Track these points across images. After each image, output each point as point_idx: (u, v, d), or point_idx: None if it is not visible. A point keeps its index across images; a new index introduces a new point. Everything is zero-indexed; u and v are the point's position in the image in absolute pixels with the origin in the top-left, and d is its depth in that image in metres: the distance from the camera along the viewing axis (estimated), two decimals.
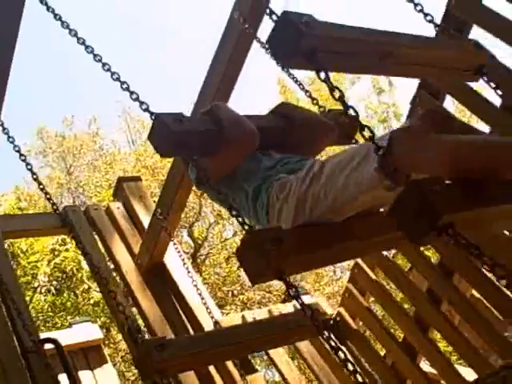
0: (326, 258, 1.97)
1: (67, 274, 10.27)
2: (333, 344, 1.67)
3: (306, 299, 4.32)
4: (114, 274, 4.54)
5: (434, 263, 3.87)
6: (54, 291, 10.14)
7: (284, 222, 1.99)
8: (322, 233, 1.89)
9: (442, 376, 3.73)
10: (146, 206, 4.69)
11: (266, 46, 1.72)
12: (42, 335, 3.73)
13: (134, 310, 4.48)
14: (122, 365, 10.70)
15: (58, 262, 9.96)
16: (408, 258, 3.98)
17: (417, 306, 3.86)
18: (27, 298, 8.92)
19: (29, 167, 3.02)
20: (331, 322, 4.16)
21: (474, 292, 3.78)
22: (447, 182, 1.58)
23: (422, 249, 3.98)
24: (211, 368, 3.89)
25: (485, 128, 3.49)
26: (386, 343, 4.03)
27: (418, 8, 2.25)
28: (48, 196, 3.02)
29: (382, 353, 4.16)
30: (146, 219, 4.50)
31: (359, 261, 4.12)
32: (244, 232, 1.74)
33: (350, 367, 1.60)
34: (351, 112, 1.62)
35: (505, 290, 3.55)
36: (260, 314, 4.27)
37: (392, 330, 4.56)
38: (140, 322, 4.51)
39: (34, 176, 3.04)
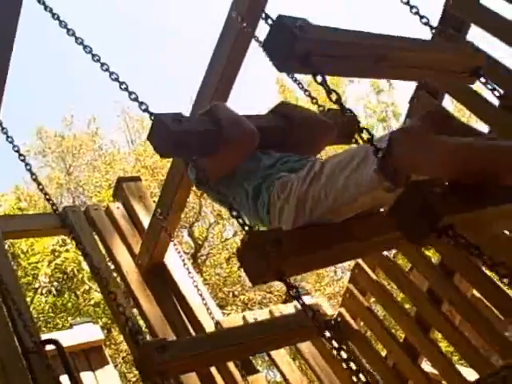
0: (326, 259, 1.96)
1: (68, 274, 10.27)
2: (335, 344, 1.66)
3: (307, 300, 4.32)
4: (115, 275, 4.54)
5: (435, 263, 3.86)
6: (54, 292, 10.14)
7: (285, 222, 1.99)
8: (322, 234, 1.89)
9: (444, 376, 3.72)
10: (145, 206, 4.68)
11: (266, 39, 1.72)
12: (43, 336, 3.73)
13: (135, 310, 4.48)
14: (124, 366, 10.70)
15: (58, 262, 9.96)
16: (408, 258, 3.97)
17: (418, 306, 3.85)
18: (28, 299, 8.92)
19: (28, 167, 3.01)
20: (332, 322, 4.16)
21: (475, 292, 3.78)
22: (447, 183, 1.57)
23: (422, 249, 3.98)
24: (212, 369, 3.89)
25: (484, 128, 3.49)
26: (387, 344, 4.02)
27: (414, 10, 2.25)
28: (47, 196, 3.01)
29: (383, 353, 4.15)
30: (145, 219, 4.49)
31: (360, 261, 4.11)
32: (244, 233, 1.73)
33: (353, 367, 1.60)
34: (349, 114, 1.62)
35: (505, 289, 3.55)
36: (261, 314, 4.26)
37: (393, 331, 4.55)
38: (141, 322, 4.52)
39: (34, 176, 3.03)
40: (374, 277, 4.10)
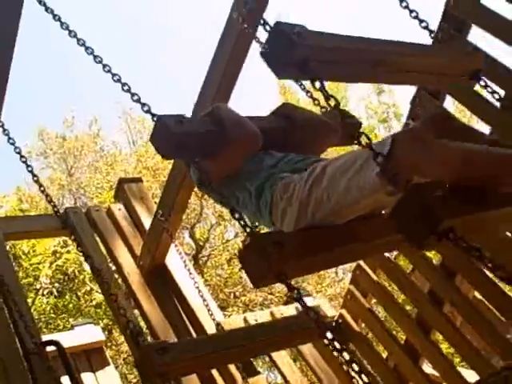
0: (327, 261, 1.96)
1: (69, 275, 10.28)
2: (337, 346, 1.66)
3: (308, 301, 4.31)
4: (116, 276, 4.54)
5: (436, 264, 3.86)
6: (55, 293, 10.14)
7: (287, 224, 1.99)
8: (324, 236, 1.88)
9: (444, 378, 3.72)
10: (147, 207, 4.69)
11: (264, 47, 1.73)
12: (44, 337, 3.74)
13: (136, 311, 4.48)
14: (124, 367, 10.70)
15: (59, 263, 9.97)
16: (410, 259, 3.97)
17: (419, 308, 3.85)
18: (29, 300, 8.92)
19: (29, 169, 3.01)
20: (333, 324, 4.15)
21: (476, 293, 3.77)
22: (448, 186, 1.57)
23: (423, 250, 3.97)
24: (213, 371, 3.88)
25: (485, 128, 3.49)
26: (388, 345, 4.02)
27: (413, 15, 2.25)
28: (49, 198, 3.02)
29: (384, 355, 4.15)
30: (147, 221, 4.50)
31: (361, 262, 4.11)
32: (246, 234, 1.73)
33: (356, 368, 1.60)
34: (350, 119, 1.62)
35: (507, 291, 3.55)
36: (262, 315, 4.26)
37: (394, 332, 4.55)
38: (142, 323, 4.52)
39: (35, 178, 3.03)
40: (375, 278, 4.10)
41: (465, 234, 1.43)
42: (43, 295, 10.05)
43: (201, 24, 20.28)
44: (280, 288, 11.17)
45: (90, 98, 19.04)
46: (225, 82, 3.54)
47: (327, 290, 11.58)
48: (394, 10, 2.35)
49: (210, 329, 4.07)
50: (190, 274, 4.24)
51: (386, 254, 3.98)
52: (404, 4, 2.25)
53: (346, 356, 1.66)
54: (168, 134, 1.97)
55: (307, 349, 4.12)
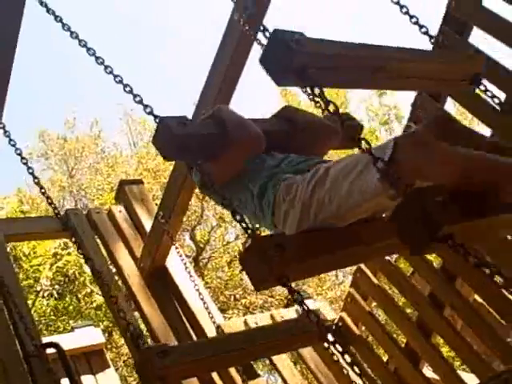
0: (329, 264, 1.96)
1: (69, 277, 10.27)
2: (338, 349, 1.66)
3: (309, 304, 4.29)
4: (116, 278, 4.54)
5: (437, 267, 3.86)
6: (56, 295, 10.14)
7: (289, 226, 1.99)
8: (326, 238, 1.88)
9: (445, 382, 3.71)
10: (147, 209, 4.69)
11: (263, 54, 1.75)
12: (44, 339, 3.74)
13: (136, 314, 4.48)
14: (125, 369, 10.68)
15: (60, 265, 9.97)
16: (410, 262, 3.96)
17: (419, 311, 3.84)
18: (29, 302, 8.92)
19: (30, 171, 3.01)
20: (333, 327, 4.15)
21: (477, 297, 3.77)
22: (448, 191, 1.57)
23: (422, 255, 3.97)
24: (214, 374, 3.88)
25: (486, 131, 3.49)
26: (389, 348, 4.01)
27: (414, 20, 2.25)
28: (49, 200, 3.02)
29: (385, 358, 4.14)
30: (148, 222, 4.50)
31: (361, 265, 4.10)
32: (247, 237, 1.73)
33: (356, 371, 1.60)
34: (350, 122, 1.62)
35: (507, 294, 3.54)
36: (262, 318, 4.26)
37: (394, 335, 4.54)
38: (142, 326, 4.51)
39: (36, 180, 3.03)
40: (375, 281, 4.09)
41: (465, 239, 1.43)
42: (43, 297, 10.05)
43: (201, 24, 20.32)
44: (280, 291, 11.16)
45: (92, 99, 19.08)
46: (225, 84, 3.54)
47: (327, 293, 11.57)
48: (395, 10, 2.35)
49: (210, 331, 4.06)
50: (191, 276, 4.24)
51: (387, 257, 3.97)
52: (404, 10, 2.25)
53: (347, 359, 1.66)
54: (170, 136, 1.97)
55: (307, 352, 4.12)
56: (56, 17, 2.52)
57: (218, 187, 2.10)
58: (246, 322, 4.14)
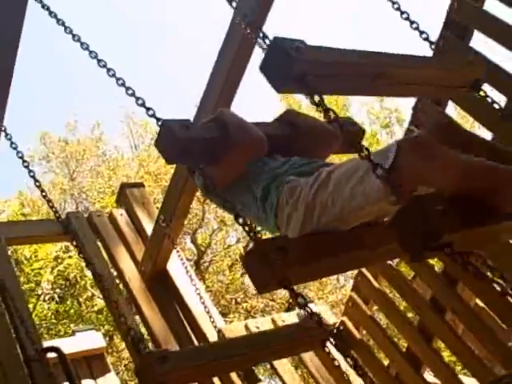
0: (331, 268, 1.96)
1: (70, 281, 10.27)
2: (339, 353, 1.66)
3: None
4: (117, 282, 4.53)
5: (438, 272, 3.85)
6: (57, 299, 10.14)
7: (292, 229, 1.98)
8: (328, 242, 1.88)
9: None
10: (149, 212, 4.68)
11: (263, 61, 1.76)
12: (45, 343, 3.73)
13: (137, 317, 4.47)
14: (125, 373, 10.68)
15: (61, 269, 9.97)
16: (411, 266, 3.96)
17: (421, 315, 3.84)
18: (30, 306, 8.92)
19: (31, 174, 3.02)
20: (335, 331, 4.14)
21: (478, 301, 3.76)
22: (448, 199, 1.57)
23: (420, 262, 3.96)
24: (215, 379, 3.87)
25: (487, 134, 3.49)
26: (390, 353, 4.01)
27: (414, 26, 2.25)
28: (51, 204, 3.02)
29: (386, 363, 4.13)
30: (149, 226, 4.49)
31: (363, 269, 4.10)
32: (249, 240, 1.73)
33: (357, 376, 1.60)
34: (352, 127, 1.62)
35: (509, 298, 3.53)
36: (263, 322, 4.24)
37: (396, 340, 4.54)
38: (143, 329, 4.51)
39: (37, 183, 3.03)
40: (376, 285, 4.09)
41: (465, 245, 1.43)
42: (44, 301, 10.05)
43: (200, 22, 20.32)
44: (282, 294, 11.15)
45: (93, 101, 19.10)
46: (227, 87, 3.54)
47: (329, 297, 11.56)
48: (394, 10, 2.34)
49: (211, 335, 4.06)
50: (192, 280, 4.24)
51: (388, 261, 3.97)
52: (405, 16, 2.25)
53: (349, 361, 1.66)
54: (173, 139, 1.97)
55: (309, 357, 4.11)
56: (58, 20, 2.53)
57: (220, 190, 2.10)
58: (246, 326, 4.13)
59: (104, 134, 15.11)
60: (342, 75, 1.82)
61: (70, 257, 10.01)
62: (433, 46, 2.29)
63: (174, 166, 4.25)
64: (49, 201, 3.02)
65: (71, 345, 4.50)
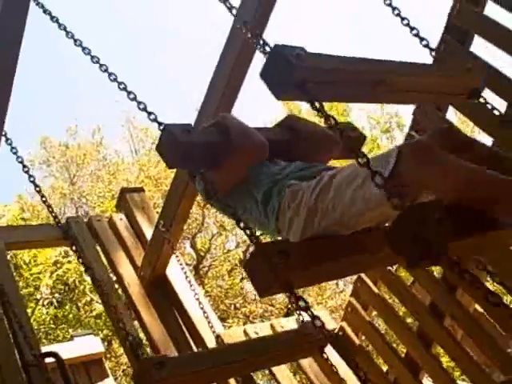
0: (333, 272, 1.96)
1: (69, 286, 10.26)
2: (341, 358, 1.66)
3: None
4: (117, 286, 4.53)
5: (437, 277, 3.85)
6: (55, 303, 10.12)
7: (294, 233, 1.99)
8: (330, 246, 1.88)
9: None
10: (148, 217, 4.68)
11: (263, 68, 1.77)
12: (44, 348, 3.73)
13: (136, 323, 4.47)
14: (124, 379, 10.65)
15: (60, 273, 9.95)
16: (411, 272, 3.96)
17: (420, 321, 3.84)
18: (29, 310, 8.92)
19: (31, 179, 3.02)
20: (334, 336, 4.14)
21: (477, 307, 3.76)
22: (447, 207, 1.57)
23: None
24: None
25: (487, 140, 3.50)
26: (389, 358, 4.01)
27: (414, 32, 2.26)
28: (50, 209, 3.02)
29: (385, 368, 4.13)
30: (148, 231, 4.49)
31: (362, 274, 4.10)
32: (251, 244, 1.73)
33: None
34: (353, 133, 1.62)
35: (507, 303, 3.53)
36: (262, 328, 4.24)
37: (394, 345, 4.54)
38: (142, 335, 4.50)
39: (37, 188, 3.04)
40: (375, 290, 4.09)
41: (463, 253, 1.43)
42: (43, 305, 10.04)
43: (201, 25, 20.32)
44: (280, 300, 11.14)
45: (94, 106, 19.11)
46: (228, 92, 3.54)
47: (328, 302, 11.54)
48: (395, 4, 2.34)
49: (210, 341, 4.05)
50: (191, 285, 4.23)
51: (387, 267, 3.97)
52: (405, 22, 2.25)
53: (347, 365, 1.66)
54: (174, 143, 1.97)
55: (307, 363, 4.10)
56: (60, 24, 2.53)
57: (221, 195, 2.10)
58: (245, 332, 4.13)
59: (104, 138, 15.11)
60: (342, 82, 1.83)
61: (69, 261, 10.00)
62: (433, 53, 2.29)
63: (175, 170, 4.25)
64: (49, 206, 3.03)
65: (69, 350, 4.50)
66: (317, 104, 1.65)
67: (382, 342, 4.07)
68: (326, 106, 1.70)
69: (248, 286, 11.86)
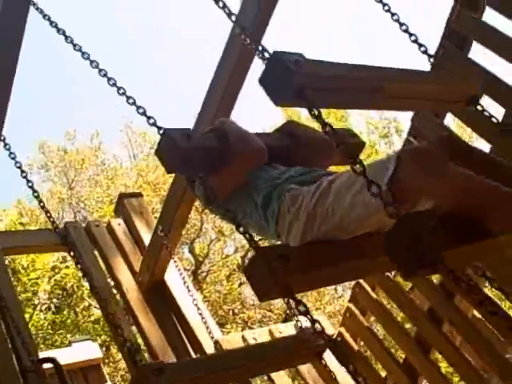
0: (332, 277, 1.96)
1: (67, 291, 10.25)
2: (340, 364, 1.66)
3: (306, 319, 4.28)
4: (115, 291, 4.52)
5: (436, 283, 3.85)
6: (53, 309, 10.11)
7: (293, 238, 1.99)
8: (330, 251, 1.88)
9: None
10: (147, 222, 4.68)
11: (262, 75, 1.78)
12: (42, 353, 3.71)
13: (134, 328, 4.46)
14: None
15: (58, 278, 9.94)
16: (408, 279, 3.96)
17: (418, 326, 3.84)
18: (27, 316, 8.89)
19: (30, 184, 3.01)
20: (332, 342, 4.13)
21: (476, 312, 3.76)
22: (443, 215, 1.56)
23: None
24: None
25: (485, 146, 3.50)
26: (387, 364, 4.00)
27: (413, 38, 2.26)
28: (48, 214, 3.02)
29: (383, 374, 4.12)
30: (147, 236, 4.49)
31: (360, 280, 4.10)
32: (251, 249, 1.73)
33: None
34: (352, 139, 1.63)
35: (505, 309, 3.54)
36: (260, 333, 4.23)
37: (393, 351, 4.53)
38: (140, 340, 4.49)
39: (35, 194, 3.03)
40: (374, 296, 4.09)
41: (460, 261, 1.43)
42: (41, 311, 10.02)
43: (201, 25, 20.31)
44: (279, 305, 11.13)
45: (92, 111, 19.11)
46: (226, 98, 3.55)
47: (326, 308, 11.54)
48: (395, 6, 2.35)
49: (208, 346, 4.04)
50: (189, 290, 4.23)
51: (386, 272, 3.97)
52: (404, 27, 2.26)
53: (347, 370, 1.66)
54: (174, 148, 1.97)
55: (306, 368, 4.09)
56: (58, 30, 2.53)
57: (220, 200, 2.10)
58: (244, 338, 4.12)
59: (103, 143, 15.13)
60: (341, 89, 1.83)
61: (67, 267, 9.99)
62: (431, 59, 2.30)
63: (173, 176, 4.25)
64: (47, 211, 3.02)
65: (67, 355, 4.49)
66: (315, 111, 1.65)
67: (381, 347, 4.06)
68: (325, 110, 1.70)
69: (246, 291, 11.86)
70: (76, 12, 16.52)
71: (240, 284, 12.00)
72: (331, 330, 4.34)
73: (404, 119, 13.30)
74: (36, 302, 9.94)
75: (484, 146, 3.63)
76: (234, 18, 2.11)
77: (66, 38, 2.49)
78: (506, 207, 1.57)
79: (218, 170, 2.21)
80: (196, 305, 4.14)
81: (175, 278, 4.39)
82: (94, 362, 4.70)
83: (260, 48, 1.81)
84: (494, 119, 2.18)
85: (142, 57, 20.74)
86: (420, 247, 1.40)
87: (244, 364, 3.17)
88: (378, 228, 1.95)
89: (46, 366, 3.35)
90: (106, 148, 15.13)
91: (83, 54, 2.39)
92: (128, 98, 2.11)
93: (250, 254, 10.54)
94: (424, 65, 2.42)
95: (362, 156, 2.23)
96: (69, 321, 10.31)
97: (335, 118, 13.46)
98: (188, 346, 4.19)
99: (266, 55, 1.81)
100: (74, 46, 2.44)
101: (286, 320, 9.52)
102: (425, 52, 2.27)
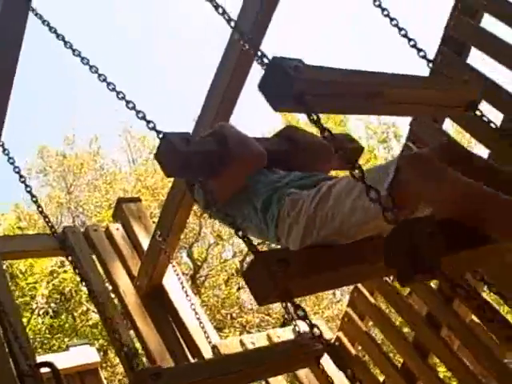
0: (332, 281, 1.96)
1: (65, 295, 10.23)
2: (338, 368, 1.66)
3: (305, 324, 4.28)
4: (113, 296, 4.52)
5: (434, 288, 3.85)
6: (51, 313, 10.09)
7: (293, 241, 1.99)
8: (330, 255, 1.88)
9: None
10: (145, 227, 4.68)
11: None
12: (39, 358, 3.71)
13: (132, 333, 4.45)
14: None
15: (56, 283, 9.93)
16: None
17: (416, 331, 3.84)
18: (25, 320, 8.87)
19: (28, 189, 3.02)
20: (331, 346, 4.13)
21: (474, 317, 3.76)
22: (441, 221, 1.57)
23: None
24: None
25: (484, 152, 3.51)
26: (385, 369, 4.00)
27: (412, 43, 2.27)
28: (47, 219, 3.02)
29: (381, 378, 4.12)
30: (145, 241, 4.49)
31: (358, 285, 4.10)
32: (247, 253, 1.73)
33: None
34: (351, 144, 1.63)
35: (504, 314, 3.54)
36: (259, 338, 4.24)
37: (391, 355, 4.53)
38: (137, 345, 4.49)
39: (34, 198, 3.03)
40: (372, 301, 4.09)
41: (457, 267, 1.43)
42: (39, 315, 10.00)
43: (201, 25, 20.31)
44: (277, 309, 11.13)
45: (91, 116, 19.11)
46: (225, 103, 3.55)
47: (324, 312, 11.53)
48: (394, 9, 2.36)
49: (206, 351, 4.04)
50: (187, 295, 4.23)
51: (384, 277, 3.97)
52: (403, 32, 2.27)
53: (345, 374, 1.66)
54: (173, 152, 1.97)
55: (304, 373, 4.09)
56: (58, 35, 2.54)
57: (220, 205, 2.10)
58: (242, 342, 4.12)
59: (102, 147, 15.13)
60: (341, 95, 1.84)
61: (65, 271, 9.98)
62: (430, 65, 2.31)
63: (172, 180, 4.25)
64: (45, 216, 3.03)
65: (65, 360, 4.48)
66: (314, 116, 1.65)
67: (379, 352, 4.06)
68: (324, 115, 1.71)
69: (244, 295, 11.85)
70: (76, 12, 16.56)
71: (238, 288, 11.99)
72: (329, 334, 4.35)
73: (403, 124, 13.33)
74: (34, 306, 9.92)
75: (483, 151, 3.63)
76: (233, 23, 2.12)
77: (66, 43, 2.49)
78: (505, 214, 1.57)
79: (217, 174, 2.21)
80: (194, 309, 4.13)
81: (173, 283, 4.39)
82: (91, 366, 4.70)
83: (259, 53, 1.81)
84: (492, 124, 2.19)
85: (142, 57, 20.75)
86: (418, 253, 1.40)
87: (242, 369, 3.16)
88: (379, 233, 1.96)
89: (44, 370, 3.34)
90: (104, 153, 15.15)
91: (83, 59, 2.40)
92: (127, 102, 2.11)
93: (248, 259, 10.55)
94: (423, 69, 2.43)
95: (360, 161, 2.24)
96: (67, 325, 10.29)
97: (334, 122, 13.48)
98: (186, 350, 4.19)
99: (265, 61, 1.81)
100: (74, 51, 2.44)
101: (284, 324, 9.51)
102: (424, 57, 2.27)
